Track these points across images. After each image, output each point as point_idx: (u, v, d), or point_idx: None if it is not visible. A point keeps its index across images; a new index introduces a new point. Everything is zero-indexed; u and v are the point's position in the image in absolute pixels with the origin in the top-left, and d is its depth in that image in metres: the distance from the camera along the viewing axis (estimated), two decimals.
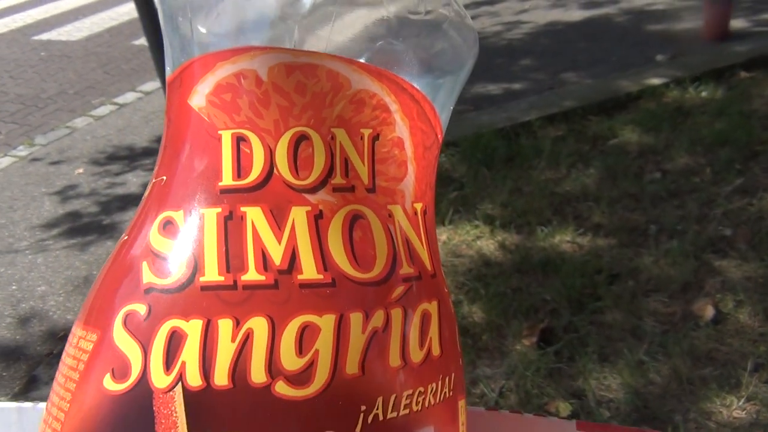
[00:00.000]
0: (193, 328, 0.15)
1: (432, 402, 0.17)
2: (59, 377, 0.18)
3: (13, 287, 2.09)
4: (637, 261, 1.63)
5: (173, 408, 0.15)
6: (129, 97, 3.52)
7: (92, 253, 2.21)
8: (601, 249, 1.72)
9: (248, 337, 0.16)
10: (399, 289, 0.17)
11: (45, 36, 4.64)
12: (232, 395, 0.15)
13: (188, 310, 0.16)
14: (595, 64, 2.91)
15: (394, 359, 0.16)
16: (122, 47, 4.28)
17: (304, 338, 0.16)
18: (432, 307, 0.18)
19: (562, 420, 0.23)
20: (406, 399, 0.16)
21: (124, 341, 0.16)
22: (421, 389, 0.17)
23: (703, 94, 2.39)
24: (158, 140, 3.06)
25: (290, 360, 0.15)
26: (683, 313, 1.46)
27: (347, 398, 0.16)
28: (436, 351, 0.18)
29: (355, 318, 0.16)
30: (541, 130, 2.34)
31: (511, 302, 1.53)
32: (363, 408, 0.16)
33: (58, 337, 1.85)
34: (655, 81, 2.49)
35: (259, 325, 0.16)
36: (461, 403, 0.19)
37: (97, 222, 2.45)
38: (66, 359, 0.18)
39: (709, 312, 1.40)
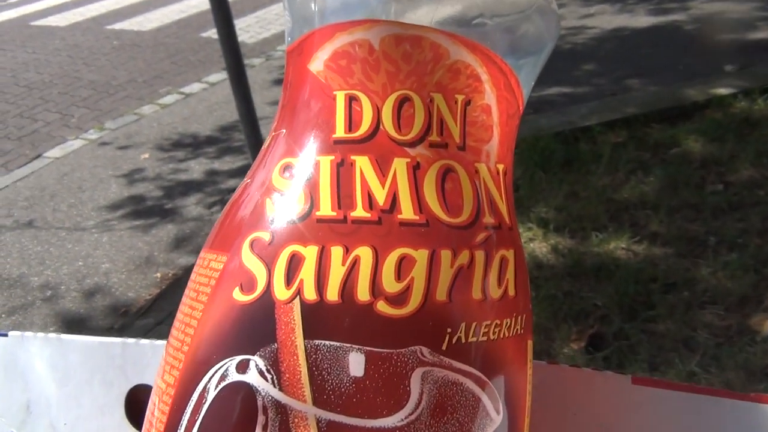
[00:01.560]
0: (310, 253, 0.18)
1: (506, 335, 0.20)
2: (189, 293, 0.21)
3: (80, 263, 2.20)
4: (694, 272, 1.59)
5: (292, 317, 0.18)
6: (195, 87, 3.62)
7: (154, 235, 2.30)
8: (657, 258, 1.69)
9: (356, 262, 0.18)
10: (482, 235, 0.20)
11: (118, 26, 4.83)
12: (340, 309, 0.18)
13: (306, 238, 0.19)
14: (660, 72, 2.84)
15: (476, 292, 0.19)
16: (190, 39, 4.41)
17: (402, 267, 0.19)
18: (509, 254, 0.21)
19: (618, 374, 0.25)
20: (484, 327, 0.19)
21: (251, 261, 0.19)
22: (498, 321, 0.19)
23: None
24: (221, 130, 3.12)
25: (390, 283, 0.18)
26: (739, 327, 1.43)
27: (436, 320, 0.18)
28: (511, 292, 0.20)
29: (445, 254, 0.19)
30: (600, 136, 2.31)
31: (561, 306, 1.53)
32: (449, 330, 0.18)
33: (120, 313, 1.94)
34: (723, 91, 2.42)
35: (364, 253, 0.18)
36: (530, 343, 0.22)
37: (160, 206, 2.54)
38: (196, 278, 0.21)
39: (767, 328, 1.36)
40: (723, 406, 0.23)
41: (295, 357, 0.18)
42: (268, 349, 0.19)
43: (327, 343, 0.18)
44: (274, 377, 0.18)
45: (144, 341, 0.34)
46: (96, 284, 2.08)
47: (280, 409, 0.18)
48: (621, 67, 3.00)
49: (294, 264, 0.18)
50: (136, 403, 0.35)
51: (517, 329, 0.20)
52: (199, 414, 0.19)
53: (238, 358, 0.19)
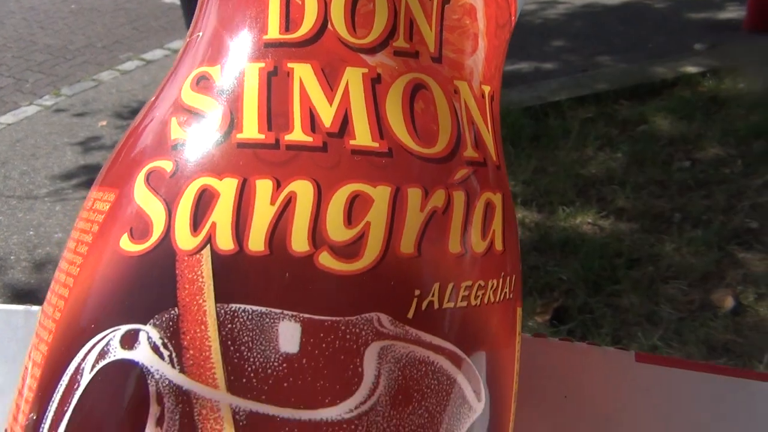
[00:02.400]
0: (227, 187, 0.13)
1: (492, 300, 0.15)
2: (69, 243, 0.16)
3: (31, 232, 2.11)
4: (659, 247, 1.60)
5: (199, 272, 0.13)
6: (157, 54, 3.51)
7: None
8: (623, 233, 1.69)
9: (290, 200, 0.13)
10: (462, 171, 0.15)
11: None
12: (267, 263, 0.13)
13: (221, 168, 0.14)
14: (630, 49, 2.84)
15: (454, 245, 0.14)
16: (151, 4, 4.26)
17: (354, 208, 0.14)
18: (497, 198, 0.16)
19: (620, 350, 0.21)
20: (464, 290, 0.14)
21: (145, 199, 0.14)
22: (482, 283, 0.15)
23: (740, 85, 2.32)
24: None
25: (337, 230, 0.13)
26: (701, 302, 1.44)
27: (400, 279, 0.14)
28: (498, 246, 0.15)
29: (413, 194, 0.14)
30: (570, 111, 2.30)
31: (527, 279, 1.51)
32: (417, 293, 0.14)
33: None
34: (691, 69, 2.43)
35: (303, 189, 0.13)
36: (519, 311, 0.17)
37: None
38: (78, 224, 0.16)
39: (729, 303, 1.37)
40: (743, 386, 0.19)
41: (203, 327, 0.13)
42: (166, 315, 0.13)
43: (248, 308, 0.13)
44: (173, 354, 0.13)
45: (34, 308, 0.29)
46: (47, 254, 2.00)
47: (182, 396, 0.13)
48: (592, 43, 2.99)
49: (204, 202, 0.13)
50: None
51: (505, 293, 0.16)
52: (69, 403, 0.14)
53: (124, 327, 0.13)
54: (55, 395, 0.14)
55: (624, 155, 2.06)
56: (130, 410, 0.14)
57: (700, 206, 1.79)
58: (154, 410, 0.13)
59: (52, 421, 0.14)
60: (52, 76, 3.40)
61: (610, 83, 2.44)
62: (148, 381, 0.13)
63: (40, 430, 0.14)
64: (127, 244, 0.14)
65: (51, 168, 2.57)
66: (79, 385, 0.14)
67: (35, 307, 0.29)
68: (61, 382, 0.14)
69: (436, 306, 0.14)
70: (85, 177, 2.46)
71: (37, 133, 2.87)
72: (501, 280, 0.15)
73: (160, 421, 0.14)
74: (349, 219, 0.13)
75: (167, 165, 0.14)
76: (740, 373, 0.19)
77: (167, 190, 0.14)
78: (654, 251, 1.61)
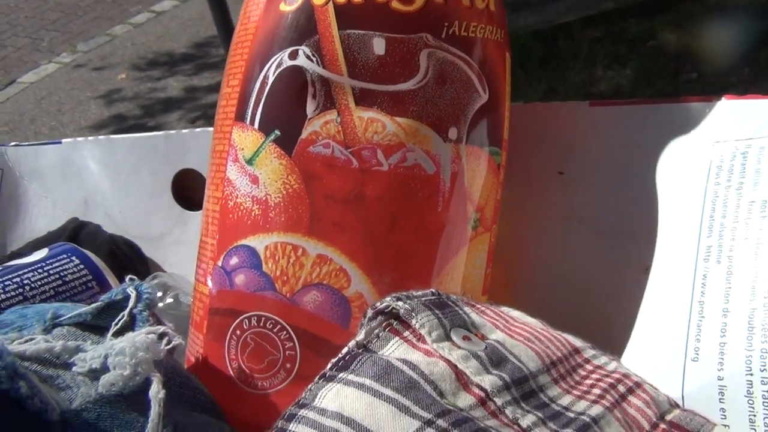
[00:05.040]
0: None
1: (489, 37, 0.26)
2: (241, 24, 0.27)
3: None
4: None
5: (328, 14, 0.24)
6: (166, 5, 3.53)
7: None
8: None
9: None
10: None
11: None
12: (364, 7, 0.24)
13: None
14: None
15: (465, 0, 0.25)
16: None
17: None
18: None
19: (576, 102, 0.32)
20: (472, 27, 0.25)
21: None
22: (482, 25, 0.26)
23: None
24: (196, 46, 3.08)
25: None
26: None
27: (436, 16, 0.25)
28: (492, 7, 0.26)
29: None
30: (578, 33, 2.33)
31: None
32: (446, 24, 0.24)
33: None
34: None
35: None
36: (508, 55, 0.28)
37: (143, 124, 2.54)
38: (246, 9, 0.27)
39: None
40: (659, 111, 0.29)
41: (332, 43, 0.24)
42: (312, 39, 0.24)
43: (356, 31, 0.24)
44: (318, 59, 0.24)
45: (184, 131, 0.40)
46: None
47: (324, 81, 0.24)
48: None
49: None
50: (181, 185, 0.41)
51: (498, 37, 0.27)
52: (264, 93, 0.25)
53: (290, 49, 0.25)
54: (252, 91, 0.26)
55: (632, 71, 2.10)
56: (297, 92, 0.25)
57: None
58: (310, 90, 0.25)
59: (254, 104, 0.25)
60: (66, 34, 3.44)
61: (617, 1, 2.46)
62: (306, 75, 0.25)
63: (246, 111, 0.25)
64: (284, 6, 0.25)
65: (78, 121, 2.64)
66: (267, 84, 0.25)
67: (172, 132, 0.40)
68: (255, 85, 0.25)
69: (457, 33, 0.25)
70: (113, 127, 2.54)
71: (60, 90, 2.93)
72: (494, 28, 0.26)
73: (313, 96, 0.25)
74: None
75: None
76: (677, 101, 0.30)
77: None
78: None
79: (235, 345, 0.25)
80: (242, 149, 0.26)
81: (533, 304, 0.26)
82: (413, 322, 0.20)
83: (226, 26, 2.05)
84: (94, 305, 0.23)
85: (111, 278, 0.32)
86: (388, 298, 0.21)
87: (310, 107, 0.25)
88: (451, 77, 0.25)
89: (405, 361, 0.19)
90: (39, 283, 0.30)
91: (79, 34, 3.45)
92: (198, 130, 0.40)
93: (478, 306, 0.23)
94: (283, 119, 0.25)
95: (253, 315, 0.25)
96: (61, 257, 0.32)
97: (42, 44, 3.40)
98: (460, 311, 0.22)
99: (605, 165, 0.31)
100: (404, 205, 0.25)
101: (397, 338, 0.20)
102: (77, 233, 0.39)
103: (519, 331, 0.22)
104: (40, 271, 0.30)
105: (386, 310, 0.21)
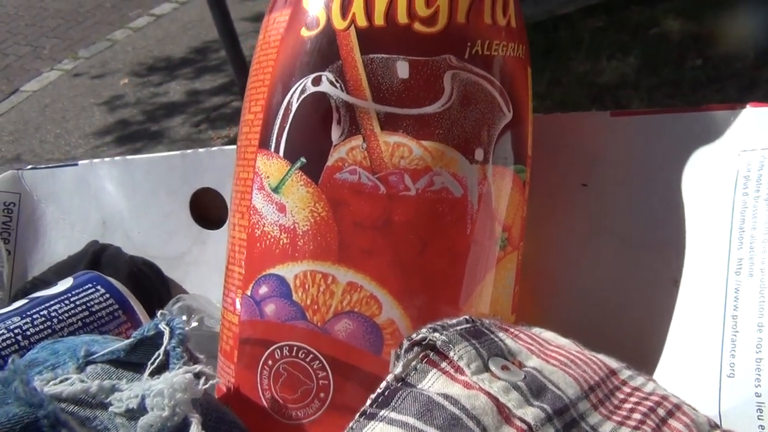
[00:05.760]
0: None
1: (511, 54, 0.26)
2: (261, 48, 0.27)
3: None
4: None
5: (350, 39, 0.24)
6: (165, 8, 3.52)
7: None
8: None
9: None
10: None
11: None
12: (386, 30, 0.24)
13: None
14: None
15: (487, 18, 0.25)
16: None
17: None
18: None
19: (597, 112, 0.31)
20: (495, 45, 0.25)
21: (312, 4, 0.24)
22: (504, 43, 0.25)
23: None
24: (196, 49, 3.09)
25: (422, 8, 0.24)
26: None
27: (459, 36, 0.24)
28: (513, 23, 0.26)
29: None
30: (580, 23, 2.32)
31: None
32: (468, 44, 0.24)
33: None
34: None
35: None
36: (529, 69, 0.28)
37: (146, 129, 2.54)
38: (265, 35, 0.26)
39: None
40: (682, 121, 0.29)
41: (355, 68, 0.24)
42: (335, 65, 0.24)
43: (379, 55, 0.24)
44: (342, 84, 0.24)
45: (201, 150, 0.40)
46: None
47: (349, 107, 0.24)
48: None
49: (347, 1, 0.24)
50: (199, 204, 0.41)
51: (519, 53, 0.26)
52: (288, 120, 0.25)
53: (312, 75, 0.24)
54: (276, 118, 0.25)
55: (636, 60, 2.09)
56: (322, 117, 0.25)
57: (714, 101, 1.83)
58: (335, 116, 0.24)
59: (278, 131, 0.25)
60: (67, 40, 3.44)
61: None
62: (330, 101, 0.25)
63: (270, 139, 0.25)
64: (305, 32, 0.25)
65: (83, 128, 2.65)
66: (291, 111, 0.25)
67: (189, 151, 0.40)
68: (279, 113, 0.25)
69: (480, 53, 0.25)
70: (117, 133, 2.54)
71: (63, 97, 2.94)
72: (516, 45, 0.26)
73: (338, 122, 0.24)
74: (428, 2, 0.24)
75: None
76: (678, 110, 0.29)
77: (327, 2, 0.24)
78: None
79: (267, 375, 0.25)
80: (267, 177, 0.25)
81: (561, 320, 0.26)
82: (451, 354, 0.20)
83: (226, 28, 2.05)
84: (127, 342, 0.23)
85: (137, 306, 0.32)
86: (424, 330, 0.21)
87: (335, 134, 0.24)
88: (476, 98, 0.25)
89: (446, 396, 0.19)
90: (66, 315, 0.30)
91: (79, 41, 3.45)
92: (214, 149, 0.40)
93: (512, 330, 0.23)
94: (309, 146, 0.25)
95: (284, 345, 0.25)
96: (86, 287, 0.32)
97: (43, 52, 3.41)
98: (496, 339, 0.22)
99: (630, 175, 0.31)
100: (433, 229, 0.24)
101: (435, 371, 0.20)
102: (99, 256, 0.39)
103: (554, 356, 0.22)
104: (66, 302, 0.31)
105: (423, 342, 0.21)
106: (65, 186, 0.43)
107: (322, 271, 0.24)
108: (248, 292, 0.26)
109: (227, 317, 0.27)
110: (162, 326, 0.23)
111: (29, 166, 0.44)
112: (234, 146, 0.39)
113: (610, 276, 0.31)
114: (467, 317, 0.22)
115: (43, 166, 0.44)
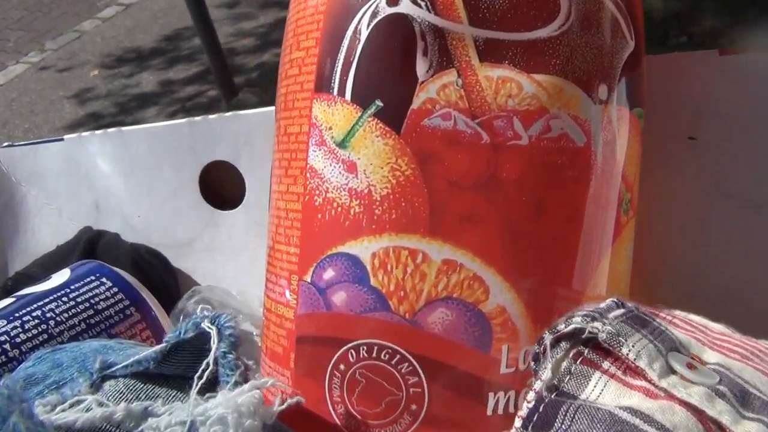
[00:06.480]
0: None
1: None
2: None
3: None
4: None
5: None
6: None
7: None
8: None
9: None
10: None
11: None
12: None
13: None
14: None
15: None
16: None
17: None
18: None
19: (703, 51, 0.26)
20: None
21: None
22: None
23: None
24: (168, 38, 3.00)
25: None
26: None
27: None
28: None
29: None
30: None
31: None
32: None
33: None
34: None
35: None
36: None
37: (120, 121, 2.45)
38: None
39: None
40: None
41: None
42: None
43: None
44: (428, 3, 0.18)
45: (212, 117, 0.34)
46: None
47: (438, 33, 0.19)
48: None
49: None
50: (210, 180, 0.35)
51: None
52: (356, 53, 0.19)
53: None
54: (339, 51, 0.20)
55: None
56: (402, 48, 0.19)
57: None
58: (420, 45, 0.19)
59: (342, 68, 0.19)
60: (33, 32, 3.32)
61: None
62: (413, 24, 0.19)
63: (332, 79, 0.20)
64: None
65: (52, 122, 2.55)
66: (359, 41, 0.19)
67: (197, 118, 0.34)
68: (343, 44, 0.19)
69: None
70: (89, 126, 2.45)
71: (31, 91, 2.83)
72: None
73: (425, 53, 0.19)
74: None
75: None
76: None
77: None
78: None
79: (339, 383, 0.19)
80: (330, 129, 0.20)
81: (672, 299, 0.21)
82: (624, 351, 0.15)
83: (201, 14, 1.96)
84: (157, 348, 0.17)
85: (151, 300, 0.26)
86: (577, 318, 0.15)
87: (421, 68, 0.19)
88: (598, 19, 0.19)
89: (632, 411, 0.13)
90: (66, 315, 0.24)
91: (46, 32, 3.33)
92: (228, 114, 0.34)
93: (663, 315, 0.18)
94: (386, 86, 0.19)
95: (361, 344, 0.19)
96: (88, 279, 0.25)
97: (8, 45, 3.28)
98: (662, 327, 0.16)
99: (745, 126, 0.25)
100: (551, 189, 0.19)
101: (598, 373, 0.15)
102: (94, 245, 0.33)
103: (728, 347, 0.17)
104: (65, 299, 0.24)
105: (575, 335, 0.15)
106: (50, 165, 0.37)
107: (409, 247, 0.19)
108: (307, 278, 0.20)
109: (275, 310, 0.22)
110: (206, 325, 0.17)
111: (5, 144, 0.38)
112: (256, 110, 0.33)
113: (728, 246, 0.25)
114: (616, 300, 0.17)
115: (22, 143, 0.38)
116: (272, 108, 0.33)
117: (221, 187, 0.35)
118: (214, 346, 0.17)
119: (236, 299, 0.33)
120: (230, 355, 0.17)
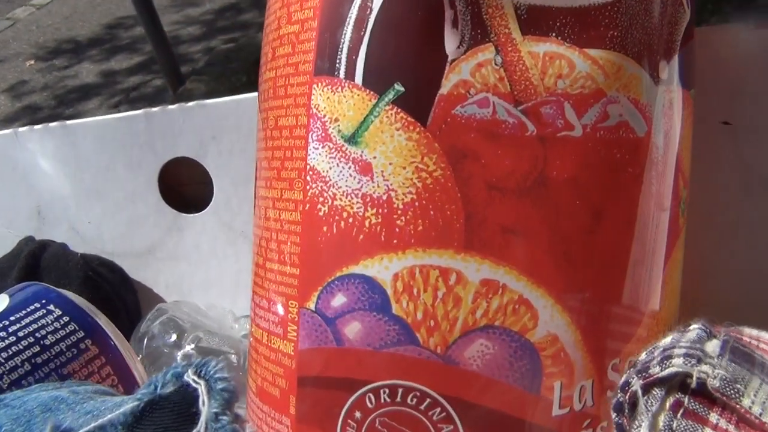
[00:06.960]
0: None
1: None
2: None
3: None
4: None
5: None
6: None
7: None
8: None
9: None
10: None
11: None
12: None
13: None
14: None
15: None
16: None
17: None
18: None
19: (736, 25, 0.23)
20: None
21: None
22: None
23: None
24: (108, 27, 2.91)
25: None
26: None
27: None
28: None
29: None
30: None
31: None
32: None
33: None
34: None
35: None
36: None
37: (58, 114, 2.35)
38: None
39: None
40: None
41: None
42: None
43: None
44: None
45: (172, 107, 0.30)
46: None
47: (470, 0, 0.15)
48: None
49: None
50: (171, 180, 0.31)
51: None
52: (367, 26, 0.15)
53: None
54: (345, 25, 0.16)
55: None
56: (427, 17, 0.15)
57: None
58: (448, 14, 0.15)
59: (351, 45, 0.15)
60: None
61: None
62: None
63: (336, 59, 0.16)
64: None
65: None
66: (372, 6, 0.15)
67: (155, 109, 0.30)
68: (349, 11, 0.16)
69: None
70: (27, 119, 2.34)
71: None
72: None
73: (455, 23, 0.15)
74: None
75: None
76: None
77: None
78: None
79: None
80: (336, 121, 0.16)
81: (716, 307, 0.18)
82: (745, 402, 0.11)
83: (144, 2, 1.88)
84: (127, 407, 0.13)
85: (109, 328, 0.22)
86: (677, 359, 0.12)
87: (450, 43, 0.15)
88: None
89: None
90: (5, 355, 0.19)
91: None
92: (191, 104, 0.29)
93: (747, 339, 0.15)
94: (407, 66, 0.15)
95: (382, 386, 0.15)
96: (31, 308, 0.21)
97: None
98: (763, 360, 0.13)
99: None
100: (609, 189, 0.16)
101: (708, 430, 0.12)
102: (37, 259, 0.28)
103: None
104: (2, 334, 0.20)
105: (673, 379, 0.12)
106: None
107: (440, 266, 0.15)
108: (310, 305, 0.16)
109: (267, 342, 0.18)
110: (190, 378, 0.13)
111: None
112: (224, 98, 0.29)
113: None
114: (703, 327, 0.14)
115: None
116: (244, 96, 0.29)
117: (184, 187, 0.31)
118: (204, 409, 0.13)
119: (207, 315, 0.29)
120: (224, 418, 0.13)
